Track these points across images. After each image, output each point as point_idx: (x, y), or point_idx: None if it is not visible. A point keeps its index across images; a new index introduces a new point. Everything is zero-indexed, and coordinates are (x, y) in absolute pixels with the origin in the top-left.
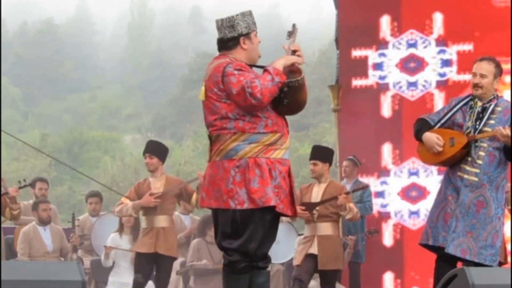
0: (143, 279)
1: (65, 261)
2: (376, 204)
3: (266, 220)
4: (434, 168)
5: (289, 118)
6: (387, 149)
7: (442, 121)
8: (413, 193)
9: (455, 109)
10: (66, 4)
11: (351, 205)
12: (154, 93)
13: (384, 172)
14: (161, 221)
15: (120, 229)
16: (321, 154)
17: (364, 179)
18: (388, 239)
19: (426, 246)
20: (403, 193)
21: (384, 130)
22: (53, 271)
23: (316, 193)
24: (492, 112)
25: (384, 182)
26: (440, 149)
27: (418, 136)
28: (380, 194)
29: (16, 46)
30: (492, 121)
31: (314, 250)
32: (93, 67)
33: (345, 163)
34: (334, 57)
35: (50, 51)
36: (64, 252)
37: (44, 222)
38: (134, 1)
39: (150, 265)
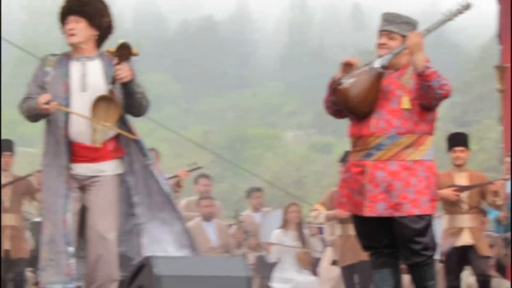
0: None
1: (230, 257)
2: None
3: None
4: None
5: (452, 113)
6: None
7: None
8: None
9: None
10: (226, 2)
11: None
12: (315, 90)
13: None
14: None
15: (285, 225)
16: (465, 140)
17: None
18: None
19: None
20: None
21: None
22: (219, 266)
23: (459, 181)
24: None
25: None
26: None
27: None
28: None
29: (177, 43)
30: None
31: (465, 241)
32: (254, 64)
33: (507, 159)
34: (496, 53)
35: (210, 48)
36: (228, 248)
37: (207, 218)
38: None
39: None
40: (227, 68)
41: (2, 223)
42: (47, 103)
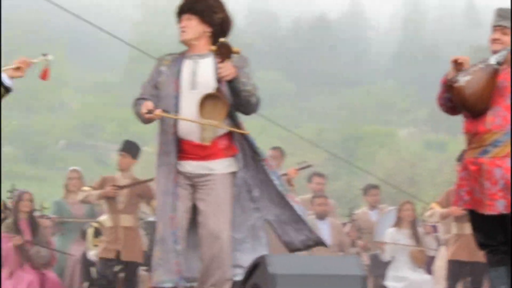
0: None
1: (345, 256)
2: None
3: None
4: None
5: None
6: None
7: None
8: None
9: None
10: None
11: None
12: (429, 87)
13: None
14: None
15: (398, 224)
16: None
17: None
18: None
19: None
20: None
21: None
22: (333, 265)
23: None
24: None
25: None
26: None
27: None
28: None
29: (290, 42)
30: None
31: None
32: (368, 62)
33: None
34: None
35: (324, 46)
36: (342, 247)
37: (321, 217)
38: None
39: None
40: (340, 66)
41: (118, 224)
42: (149, 112)
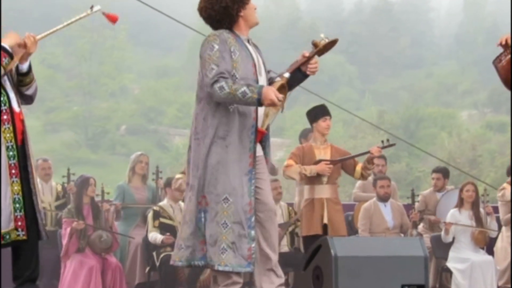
0: None
1: (407, 237)
2: None
3: None
4: None
5: None
6: None
7: None
8: None
9: None
10: None
11: None
12: (490, 69)
13: None
14: None
15: (460, 205)
16: None
17: None
18: None
19: None
20: None
21: None
22: (395, 246)
23: None
24: None
25: None
26: None
27: None
28: None
29: (352, 24)
30: None
31: None
32: (429, 43)
33: None
34: None
35: (385, 28)
36: (404, 228)
37: (383, 199)
38: None
39: None
40: (401, 48)
41: None
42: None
